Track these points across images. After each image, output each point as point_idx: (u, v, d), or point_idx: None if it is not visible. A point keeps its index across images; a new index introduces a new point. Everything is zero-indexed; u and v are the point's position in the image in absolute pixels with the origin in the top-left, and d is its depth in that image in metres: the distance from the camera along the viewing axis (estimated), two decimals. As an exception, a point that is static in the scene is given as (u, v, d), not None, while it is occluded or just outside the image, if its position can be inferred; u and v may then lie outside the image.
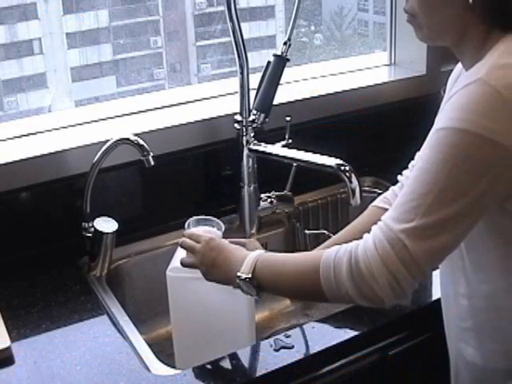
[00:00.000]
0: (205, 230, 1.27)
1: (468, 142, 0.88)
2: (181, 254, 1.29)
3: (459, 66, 1.09)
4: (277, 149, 1.51)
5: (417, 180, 0.92)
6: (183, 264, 1.18)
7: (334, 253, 0.97)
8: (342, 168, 1.33)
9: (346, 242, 1.07)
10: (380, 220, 0.95)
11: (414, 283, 0.93)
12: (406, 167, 1.28)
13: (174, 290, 1.27)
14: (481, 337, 1.06)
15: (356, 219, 1.29)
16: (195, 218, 1.30)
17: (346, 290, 0.95)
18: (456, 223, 0.91)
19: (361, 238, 0.97)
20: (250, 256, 1.07)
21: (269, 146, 1.52)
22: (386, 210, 1.21)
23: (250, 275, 1.05)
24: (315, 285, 0.98)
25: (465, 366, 1.11)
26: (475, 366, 1.08)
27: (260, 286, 1.06)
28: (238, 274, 1.06)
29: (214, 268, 1.12)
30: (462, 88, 0.91)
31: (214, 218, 1.31)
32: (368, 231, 0.97)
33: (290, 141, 1.54)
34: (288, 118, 1.55)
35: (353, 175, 1.32)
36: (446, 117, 0.92)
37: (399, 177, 1.28)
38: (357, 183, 1.32)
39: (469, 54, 0.99)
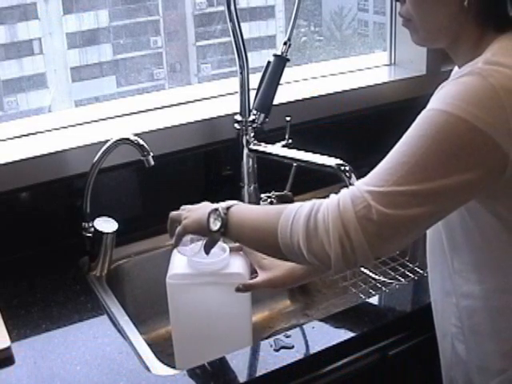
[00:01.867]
0: None
1: (454, 125, 0.88)
2: (178, 259, 1.29)
3: None
4: (277, 149, 1.51)
5: (395, 151, 0.92)
6: (171, 216, 1.20)
7: (300, 203, 0.97)
8: (342, 168, 1.33)
9: None
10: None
11: (367, 248, 0.89)
12: None
13: (173, 296, 1.26)
14: (475, 336, 1.06)
15: None
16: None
17: (298, 239, 0.94)
18: (427, 201, 0.89)
19: None
20: (231, 201, 1.10)
21: (269, 146, 1.52)
22: None
23: (224, 206, 1.07)
24: (272, 229, 0.98)
25: (458, 363, 1.11)
26: (469, 364, 1.08)
27: (228, 223, 1.06)
28: (215, 206, 1.09)
29: (197, 210, 1.14)
30: (454, 79, 0.92)
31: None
32: None
33: (290, 141, 1.54)
34: (288, 118, 1.55)
35: (353, 175, 1.32)
36: (435, 101, 0.92)
37: None
38: (357, 183, 1.32)
39: (463, 55, 0.99)
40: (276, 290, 1.35)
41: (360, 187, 0.91)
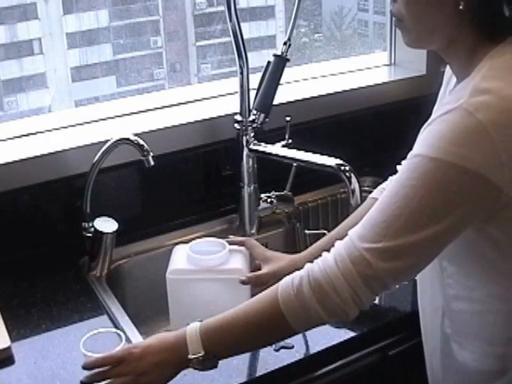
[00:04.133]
0: None
1: (444, 172, 0.87)
2: (178, 255, 1.29)
3: None
4: (277, 149, 1.51)
5: (388, 202, 0.92)
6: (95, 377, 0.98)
7: (289, 285, 0.95)
8: (342, 168, 1.33)
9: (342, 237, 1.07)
10: (346, 235, 0.95)
11: (374, 298, 0.94)
12: (405, 158, 1.27)
13: (173, 291, 1.27)
14: (472, 340, 1.05)
15: (354, 212, 1.29)
16: (88, 335, 1.08)
17: (316, 312, 0.94)
18: (424, 247, 0.91)
19: None
20: (189, 334, 0.98)
21: (269, 146, 1.52)
22: None
23: (202, 352, 0.97)
24: (280, 325, 0.96)
25: (455, 367, 1.09)
26: (467, 367, 1.07)
27: (217, 355, 0.98)
28: (190, 356, 0.97)
29: (157, 370, 0.98)
30: (442, 115, 0.90)
31: (110, 330, 1.14)
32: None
33: (290, 141, 1.54)
34: (288, 118, 1.55)
35: (353, 175, 1.32)
36: (423, 143, 0.91)
37: (398, 167, 1.27)
38: (357, 183, 1.32)
39: (457, 60, 0.98)
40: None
41: (357, 244, 0.91)
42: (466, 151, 0.86)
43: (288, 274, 1.24)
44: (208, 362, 0.98)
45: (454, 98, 0.91)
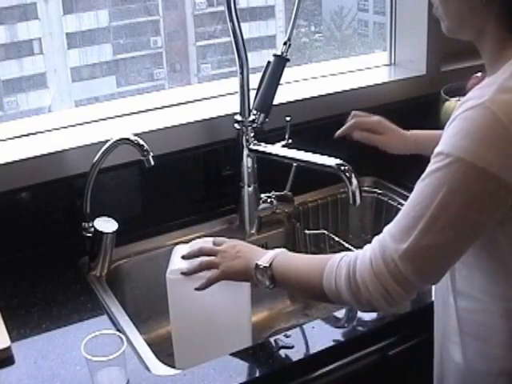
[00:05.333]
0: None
1: (462, 172, 0.88)
2: (178, 255, 1.29)
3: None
4: (277, 149, 1.51)
5: (414, 200, 0.94)
6: (202, 265, 1.22)
7: (336, 262, 1.03)
8: (342, 168, 1.33)
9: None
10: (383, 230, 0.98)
11: (406, 296, 0.97)
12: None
13: (173, 292, 1.27)
14: (475, 340, 1.05)
15: None
16: (88, 338, 1.08)
17: (346, 298, 1.01)
18: (447, 249, 0.93)
19: None
20: (271, 251, 1.16)
21: (269, 146, 1.52)
22: None
23: (267, 264, 1.13)
24: (319, 288, 1.05)
25: (455, 367, 1.09)
26: (465, 367, 1.07)
27: (273, 277, 1.13)
28: (257, 262, 1.14)
29: (235, 259, 1.19)
30: (465, 110, 0.90)
31: (111, 332, 1.14)
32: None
33: (290, 141, 1.54)
34: (288, 118, 1.55)
35: (353, 175, 1.32)
36: (446, 141, 0.91)
37: None
38: (357, 183, 1.32)
39: (487, 55, 0.98)
40: None
41: (388, 245, 0.95)
42: (486, 152, 0.87)
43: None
44: (266, 277, 1.13)
45: (479, 93, 0.91)
